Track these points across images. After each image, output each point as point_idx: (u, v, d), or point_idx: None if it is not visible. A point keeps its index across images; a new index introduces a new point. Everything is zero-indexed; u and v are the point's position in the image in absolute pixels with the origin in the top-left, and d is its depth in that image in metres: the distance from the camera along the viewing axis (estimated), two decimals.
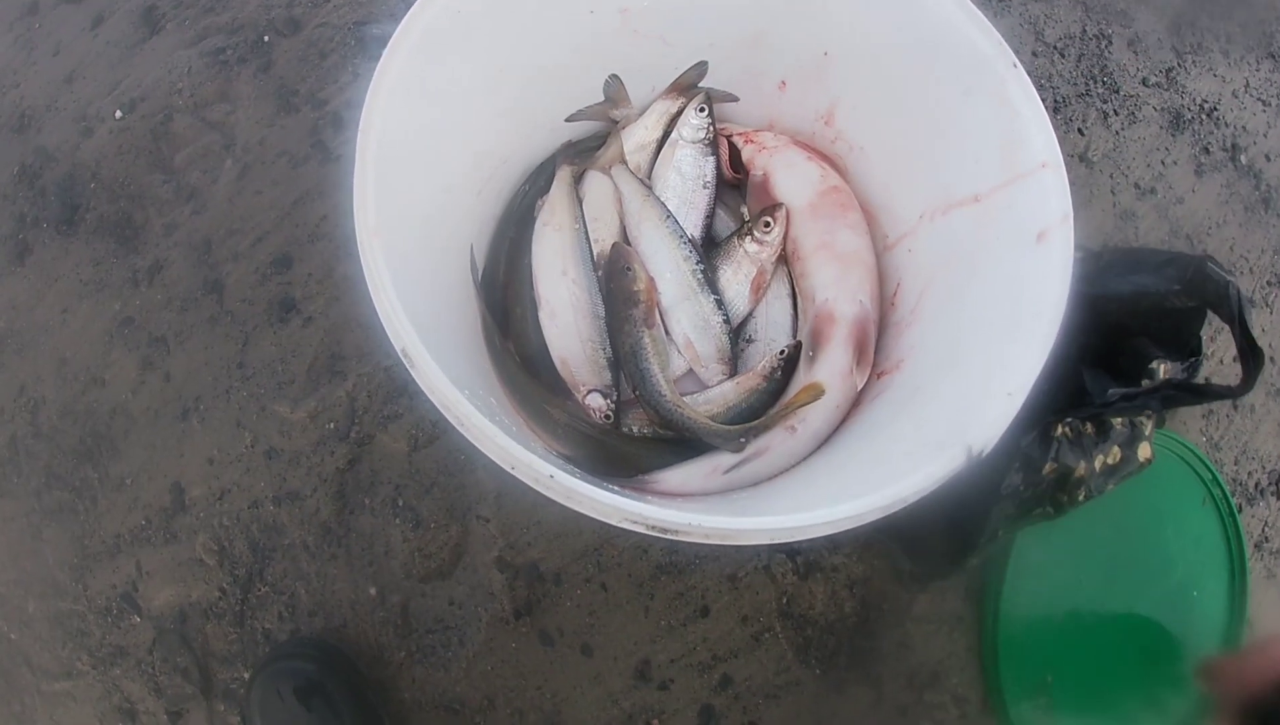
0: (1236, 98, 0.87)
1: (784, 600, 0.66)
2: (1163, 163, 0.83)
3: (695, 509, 0.41)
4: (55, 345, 0.77)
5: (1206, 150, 0.84)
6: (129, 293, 0.76)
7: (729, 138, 0.69)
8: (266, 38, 0.82)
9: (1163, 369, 0.61)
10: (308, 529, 0.68)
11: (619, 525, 0.39)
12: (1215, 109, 0.86)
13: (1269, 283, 0.82)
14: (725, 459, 0.59)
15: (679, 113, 0.66)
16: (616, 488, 0.48)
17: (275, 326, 0.72)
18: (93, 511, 0.73)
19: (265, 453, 0.70)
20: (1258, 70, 0.90)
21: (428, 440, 0.68)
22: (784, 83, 0.66)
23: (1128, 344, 0.65)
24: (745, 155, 0.69)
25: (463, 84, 0.55)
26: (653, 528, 0.39)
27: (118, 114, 0.82)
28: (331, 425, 0.69)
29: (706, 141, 0.66)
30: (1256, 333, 0.52)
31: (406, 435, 0.68)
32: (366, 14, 0.81)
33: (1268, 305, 0.81)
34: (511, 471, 0.39)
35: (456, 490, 0.66)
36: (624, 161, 0.64)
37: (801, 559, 0.67)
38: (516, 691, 0.65)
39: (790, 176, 0.66)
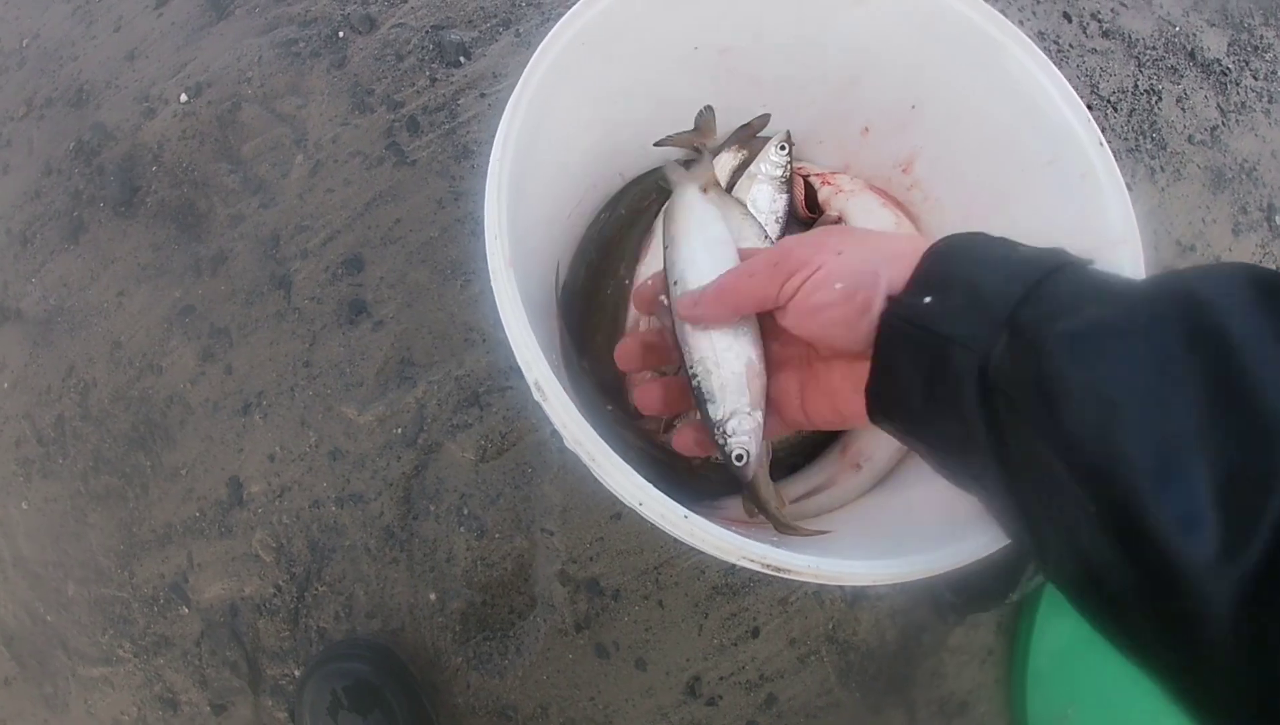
0: (1275, 158, 0.92)
1: (831, 626, 0.69)
2: (1203, 221, 0.87)
3: (810, 551, 0.43)
4: (109, 328, 0.77)
5: (1244, 210, 0.89)
6: (190, 281, 0.76)
7: (806, 177, 0.71)
8: (341, 33, 0.81)
9: None
10: (370, 532, 0.69)
11: (737, 563, 0.41)
12: (1255, 169, 0.90)
13: None
14: (790, 489, 0.62)
15: (740, 165, 0.68)
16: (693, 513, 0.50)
17: (344, 327, 0.72)
18: (143, 499, 0.73)
19: (329, 453, 0.70)
20: None
21: (496, 452, 0.69)
22: (867, 129, 0.69)
23: None
24: (821, 196, 0.71)
25: (573, 113, 0.57)
26: (769, 567, 0.41)
27: (183, 97, 0.81)
28: (399, 430, 0.70)
29: (784, 179, 0.69)
30: None
31: (475, 445, 0.69)
32: (444, 19, 0.81)
33: None
34: (639, 508, 0.41)
35: (523, 502, 0.68)
36: (718, 184, 0.66)
37: (850, 587, 0.70)
38: (570, 701, 0.66)
39: (866, 221, 0.68)
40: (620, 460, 0.41)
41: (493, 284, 0.45)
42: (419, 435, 0.69)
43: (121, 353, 0.76)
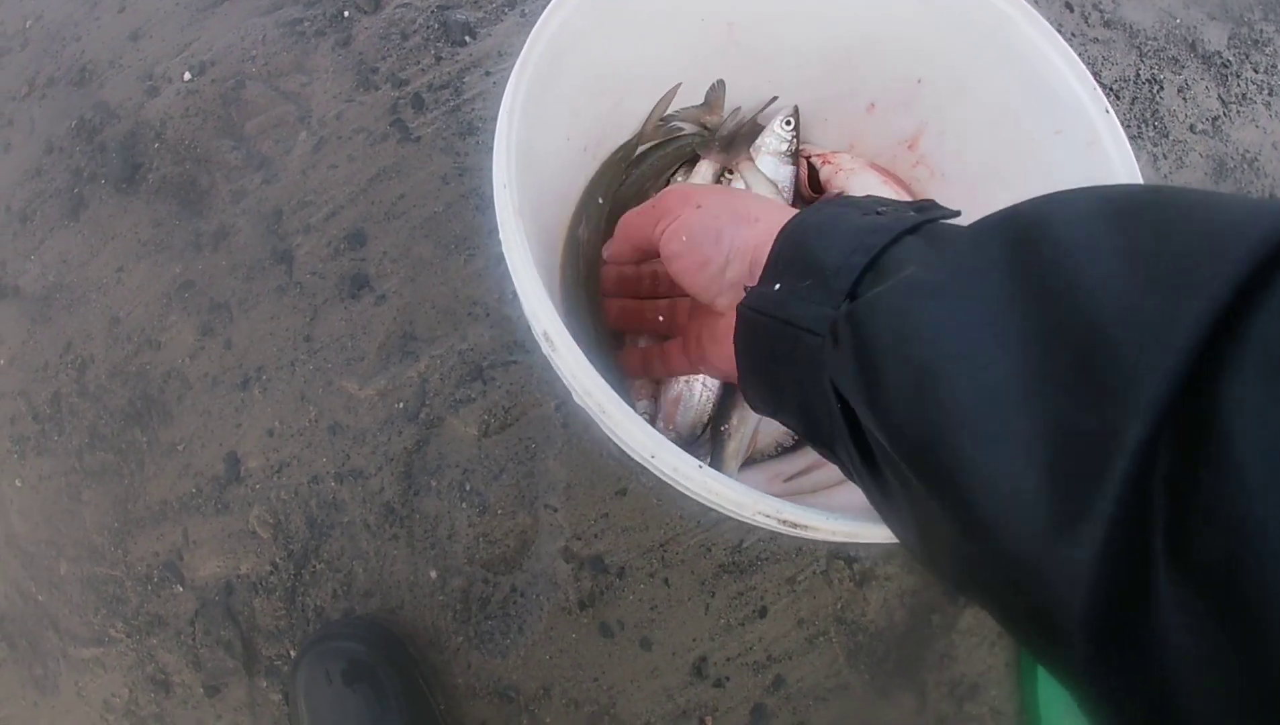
0: (1276, 150, 0.92)
1: (839, 606, 0.68)
2: None
3: (822, 509, 0.42)
4: (108, 304, 0.76)
5: None
6: (191, 256, 0.75)
7: (808, 158, 0.71)
8: (346, 13, 0.81)
9: None
10: (369, 508, 0.67)
11: (752, 519, 0.41)
12: (1256, 159, 0.91)
13: None
14: (787, 466, 0.62)
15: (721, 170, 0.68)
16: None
17: (346, 302, 0.71)
18: (139, 476, 0.72)
19: (329, 428, 0.69)
20: None
21: (499, 426, 0.68)
22: (873, 105, 0.69)
23: None
24: (823, 175, 0.71)
25: (580, 83, 0.56)
26: (785, 522, 0.40)
27: (186, 76, 0.81)
28: (400, 405, 0.69)
29: (789, 153, 0.68)
30: None
31: (478, 420, 0.68)
32: None
33: None
34: (651, 460, 0.40)
35: (526, 478, 0.67)
36: (750, 158, 0.66)
37: (858, 567, 0.68)
38: (573, 682, 0.65)
39: None
40: (632, 411, 0.40)
41: (501, 235, 0.44)
42: (421, 410, 0.68)
43: (120, 328, 0.75)
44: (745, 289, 0.36)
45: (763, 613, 0.67)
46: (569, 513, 0.66)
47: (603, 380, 0.41)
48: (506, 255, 0.44)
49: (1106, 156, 0.56)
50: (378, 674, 0.64)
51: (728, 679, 0.66)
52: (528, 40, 0.49)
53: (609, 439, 0.44)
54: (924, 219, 0.31)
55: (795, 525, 0.40)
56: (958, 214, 0.34)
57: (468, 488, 0.67)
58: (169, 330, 0.74)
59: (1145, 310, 0.18)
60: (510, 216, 0.44)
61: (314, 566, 0.68)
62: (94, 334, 0.75)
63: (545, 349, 0.42)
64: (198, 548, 0.70)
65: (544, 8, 0.51)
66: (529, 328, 0.44)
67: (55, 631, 0.72)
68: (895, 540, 0.42)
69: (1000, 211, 0.26)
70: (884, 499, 0.29)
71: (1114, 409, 0.17)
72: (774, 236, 0.36)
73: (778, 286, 0.34)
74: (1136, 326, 0.18)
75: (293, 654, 0.67)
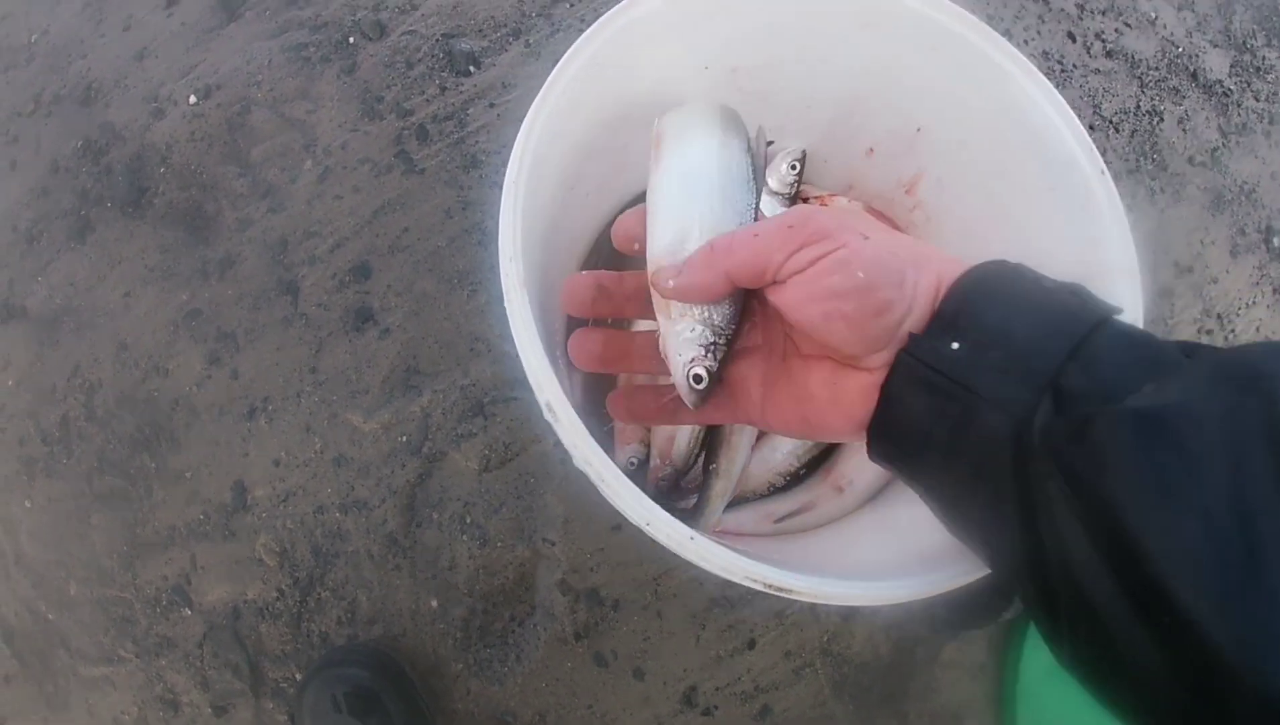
0: (1275, 180, 0.93)
1: (825, 639, 0.70)
2: (1201, 242, 0.88)
3: (812, 574, 0.44)
4: (115, 329, 0.77)
5: (1243, 232, 0.90)
6: (198, 284, 0.76)
7: (805, 200, 0.72)
8: (351, 39, 0.82)
9: None
10: (373, 538, 0.69)
11: (741, 583, 0.42)
12: (1254, 191, 0.91)
13: None
14: (777, 507, 0.64)
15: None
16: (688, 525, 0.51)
17: (351, 334, 0.73)
18: (147, 501, 0.74)
19: (334, 460, 0.71)
20: None
21: (500, 462, 0.69)
22: (872, 150, 0.69)
23: None
24: None
25: (585, 133, 0.57)
26: (772, 587, 0.42)
27: (192, 99, 0.81)
28: (404, 438, 0.70)
29: (789, 197, 0.69)
30: None
31: (479, 455, 0.69)
32: (454, 27, 0.82)
33: None
34: (645, 527, 0.42)
35: (525, 512, 0.68)
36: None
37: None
38: (568, 709, 0.67)
39: None
40: (629, 481, 0.42)
41: (506, 306, 0.45)
42: (423, 444, 0.70)
43: (128, 354, 0.76)
44: (909, 336, 0.32)
45: (751, 644, 0.69)
46: (566, 547, 0.68)
47: (601, 450, 0.43)
48: (512, 325, 0.45)
49: (1100, 216, 0.57)
50: (381, 699, 0.66)
51: (716, 708, 0.68)
52: (534, 102, 0.49)
53: None
54: (1103, 314, 0.31)
55: (783, 590, 0.42)
56: (1120, 311, 0.34)
57: (468, 520, 0.69)
58: (176, 358, 0.75)
59: None
60: (515, 287, 0.46)
61: (319, 594, 0.70)
62: (102, 358, 0.76)
63: (548, 417, 0.44)
64: (205, 573, 0.72)
65: (547, 38, 0.51)
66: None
67: (66, 650, 0.74)
68: (878, 603, 0.45)
69: (1228, 353, 0.28)
70: (1038, 577, 0.30)
71: None
72: (946, 286, 0.33)
73: (956, 346, 0.31)
74: None
75: (298, 677, 0.70)
